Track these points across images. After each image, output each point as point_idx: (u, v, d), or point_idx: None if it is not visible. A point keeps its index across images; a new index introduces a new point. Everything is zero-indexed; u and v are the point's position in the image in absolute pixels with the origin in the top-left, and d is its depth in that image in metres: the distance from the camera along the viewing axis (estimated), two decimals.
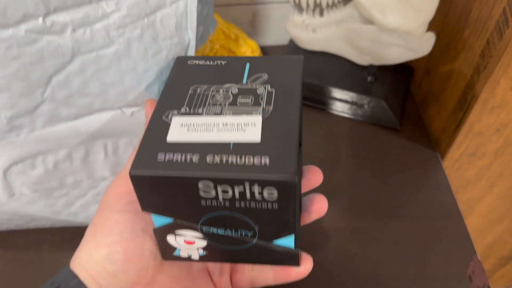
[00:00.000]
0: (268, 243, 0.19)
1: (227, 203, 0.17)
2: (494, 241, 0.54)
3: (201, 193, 0.17)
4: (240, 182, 0.16)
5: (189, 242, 0.20)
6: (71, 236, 0.32)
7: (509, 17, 0.28)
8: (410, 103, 0.42)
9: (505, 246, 0.56)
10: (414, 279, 0.30)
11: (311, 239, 0.32)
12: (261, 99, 0.20)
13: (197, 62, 0.22)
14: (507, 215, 0.49)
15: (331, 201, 0.35)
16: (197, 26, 0.34)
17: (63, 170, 0.25)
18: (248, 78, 0.21)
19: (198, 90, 0.20)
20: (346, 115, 0.40)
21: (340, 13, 0.36)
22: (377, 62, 0.36)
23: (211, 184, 0.17)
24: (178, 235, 0.20)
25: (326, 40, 0.36)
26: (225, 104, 0.20)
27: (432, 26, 0.39)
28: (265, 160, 0.16)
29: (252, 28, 0.44)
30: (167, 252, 0.21)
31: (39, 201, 0.27)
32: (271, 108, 0.19)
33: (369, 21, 0.34)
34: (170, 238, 0.20)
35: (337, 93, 0.38)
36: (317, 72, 0.39)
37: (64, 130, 0.23)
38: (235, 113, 0.19)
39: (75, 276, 0.19)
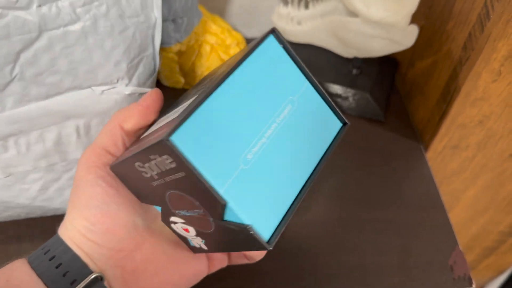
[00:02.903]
0: (222, 222, 0.17)
1: (161, 181, 0.18)
2: (478, 232, 0.55)
3: (143, 174, 0.19)
4: (142, 154, 0.17)
5: (185, 229, 0.20)
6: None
7: (490, 10, 0.29)
8: (395, 95, 0.42)
9: (489, 237, 0.57)
10: (398, 267, 0.31)
11: (297, 229, 0.32)
12: (206, 85, 0.19)
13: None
14: (490, 206, 0.50)
15: (317, 191, 0.35)
16: (181, 17, 0.34)
17: (36, 153, 0.25)
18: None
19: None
20: None
21: (325, 6, 0.36)
22: (361, 54, 0.36)
23: (138, 163, 0.18)
24: (173, 222, 0.20)
25: (311, 33, 0.36)
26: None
27: (417, 18, 0.39)
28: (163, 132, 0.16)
29: (238, 20, 0.44)
30: (187, 244, 0.22)
31: (13, 186, 0.26)
32: (206, 89, 0.18)
33: (353, 13, 0.34)
34: (174, 227, 0.21)
35: (322, 86, 0.39)
36: None
37: (35, 110, 0.23)
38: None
39: (62, 242, 0.20)
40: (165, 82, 0.40)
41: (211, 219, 0.18)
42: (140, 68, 0.26)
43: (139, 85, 0.26)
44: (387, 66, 0.41)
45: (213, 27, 0.38)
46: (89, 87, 0.24)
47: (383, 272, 0.30)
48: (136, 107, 0.21)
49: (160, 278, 0.21)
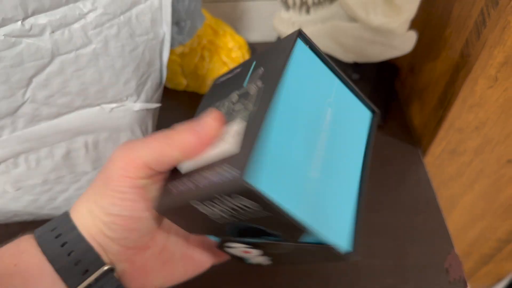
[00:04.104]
0: (302, 244, 0.17)
1: (227, 216, 0.17)
2: (476, 238, 0.55)
3: (203, 211, 0.17)
4: (210, 197, 0.16)
5: (245, 251, 0.20)
6: None
7: (486, 17, 0.29)
8: (395, 100, 0.43)
9: (487, 243, 0.57)
10: (393, 270, 0.31)
11: None
12: (251, 100, 0.18)
13: (221, 79, 0.22)
14: (487, 212, 0.50)
15: None
16: (185, 20, 0.35)
17: (45, 167, 0.26)
18: (249, 79, 0.20)
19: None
20: None
21: (326, 11, 0.37)
22: (360, 59, 0.36)
23: (199, 203, 0.17)
24: (231, 247, 0.20)
25: (311, 37, 0.37)
26: (225, 117, 0.19)
27: (416, 24, 0.40)
28: (231, 170, 0.15)
29: (240, 24, 0.45)
30: (239, 261, 0.22)
31: (22, 197, 0.27)
32: (256, 108, 0.17)
33: (354, 19, 0.35)
34: (231, 250, 0.21)
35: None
36: None
37: (45, 129, 0.24)
38: (228, 125, 0.18)
39: (75, 229, 0.19)
40: (168, 84, 0.41)
41: (287, 243, 0.18)
42: (148, 84, 0.26)
43: (147, 100, 0.27)
44: (387, 71, 0.42)
45: (216, 31, 0.38)
46: (99, 105, 0.24)
47: (378, 275, 0.31)
48: (195, 136, 0.18)
49: (167, 272, 0.22)
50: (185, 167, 0.19)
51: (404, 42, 0.32)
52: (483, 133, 0.37)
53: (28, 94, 0.22)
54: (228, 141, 0.17)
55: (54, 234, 0.19)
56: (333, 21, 0.35)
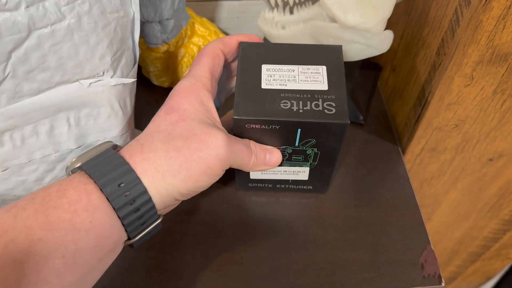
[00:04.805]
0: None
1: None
2: (463, 236, 0.56)
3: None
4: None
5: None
6: None
7: (460, 16, 0.30)
8: (378, 99, 0.43)
9: (474, 242, 0.57)
10: (368, 264, 0.32)
11: (271, 224, 0.34)
12: (309, 158, 0.31)
13: (253, 126, 0.28)
14: (473, 210, 0.50)
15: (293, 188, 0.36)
16: (168, 19, 0.35)
17: (31, 146, 0.27)
18: (299, 141, 0.29)
19: None
20: None
21: (308, 11, 0.37)
22: None
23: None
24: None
25: (294, 37, 0.37)
26: (283, 160, 0.31)
27: (397, 24, 0.40)
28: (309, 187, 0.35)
29: (226, 24, 0.45)
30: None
31: (9, 178, 0.28)
32: (315, 163, 0.31)
33: (334, 19, 0.35)
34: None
35: None
36: None
37: (28, 105, 0.25)
38: (290, 166, 0.32)
39: (145, 191, 0.22)
40: (154, 81, 0.42)
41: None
42: (123, 60, 0.28)
43: (123, 76, 0.28)
44: (370, 70, 0.42)
45: (201, 29, 0.39)
46: (77, 80, 0.26)
47: (353, 268, 0.31)
48: (266, 166, 0.29)
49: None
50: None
51: (381, 41, 0.33)
52: (463, 131, 0.37)
53: (8, 69, 0.23)
54: (301, 174, 0.33)
55: (123, 192, 0.21)
56: (314, 21, 0.36)
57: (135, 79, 0.29)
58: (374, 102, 0.43)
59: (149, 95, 0.42)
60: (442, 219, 0.51)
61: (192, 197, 0.35)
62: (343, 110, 0.28)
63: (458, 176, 0.44)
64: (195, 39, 0.39)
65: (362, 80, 0.42)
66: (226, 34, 0.46)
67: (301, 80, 0.29)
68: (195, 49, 0.39)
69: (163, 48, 0.37)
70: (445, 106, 0.34)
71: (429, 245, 0.33)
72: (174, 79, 0.41)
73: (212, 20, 0.45)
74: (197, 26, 0.39)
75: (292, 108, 0.28)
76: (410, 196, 0.36)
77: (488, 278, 0.68)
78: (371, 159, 0.38)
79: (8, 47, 0.22)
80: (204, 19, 0.41)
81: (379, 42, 0.33)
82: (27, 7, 0.22)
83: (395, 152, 0.39)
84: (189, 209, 0.35)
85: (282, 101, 0.28)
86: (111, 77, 0.27)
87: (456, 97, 0.34)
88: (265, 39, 0.45)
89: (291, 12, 0.39)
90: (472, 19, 0.28)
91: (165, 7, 0.33)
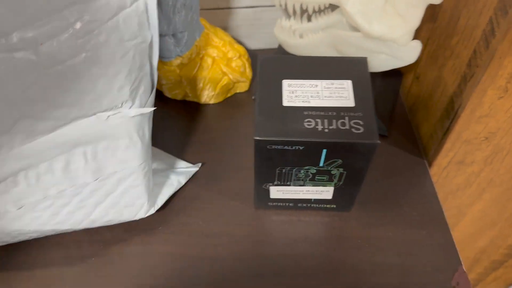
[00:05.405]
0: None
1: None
2: (486, 245, 0.54)
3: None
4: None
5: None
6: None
7: (495, 26, 0.28)
8: (400, 108, 0.41)
9: (497, 251, 0.55)
10: None
11: (295, 246, 0.32)
12: (334, 178, 0.29)
13: (275, 147, 0.26)
14: (499, 220, 0.48)
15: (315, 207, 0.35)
16: (182, 32, 0.34)
17: (46, 183, 0.26)
18: (324, 161, 0.27)
19: (284, 170, 0.29)
20: None
21: (327, 19, 0.36)
22: None
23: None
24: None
25: (312, 46, 0.36)
26: (306, 180, 0.29)
27: (421, 32, 0.38)
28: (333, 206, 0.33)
29: (240, 32, 0.44)
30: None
31: (24, 216, 0.27)
32: (341, 183, 0.30)
33: (355, 28, 0.33)
34: None
35: None
36: None
37: (42, 144, 0.23)
38: (314, 185, 0.30)
39: None
40: (167, 94, 0.40)
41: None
42: (141, 88, 0.26)
43: (141, 105, 0.26)
44: (392, 79, 0.41)
45: (215, 40, 0.38)
46: (95, 114, 0.24)
47: None
48: None
49: None
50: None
51: (408, 52, 0.31)
52: (494, 143, 0.35)
53: (23, 110, 0.21)
54: (325, 193, 0.32)
55: None
56: (334, 30, 0.34)
57: (154, 108, 0.28)
58: (396, 110, 0.41)
59: (162, 108, 0.40)
60: (466, 230, 0.49)
61: (209, 219, 0.34)
62: (371, 128, 0.26)
63: (485, 188, 0.42)
64: (209, 50, 0.37)
65: (383, 88, 0.40)
66: (240, 42, 0.44)
67: (325, 96, 0.27)
68: (209, 60, 0.37)
69: (177, 61, 0.36)
70: (476, 119, 0.33)
71: (461, 266, 0.32)
72: (188, 92, 0.39)
73: (225, 28, 0.43)
74: (211, 36, 0.37)
75: (317, 127, 0.26)
76: (439, 212, 0.34)
77: (508, 285, 0.66)
78: (396, 174, 0.36)
79: (23, 87, 0.21)
80: (218, 28, 0.39)
81: (405, 53, 0.31)
82: (42, 44, 0.20)
83: (421, 165, 0.37)
84: (205, 231, 0.33)
85: (306, 120, 0.26)
86: (130, 107, 0.25)
87: (488, 109, 0.32)
88: (279, 47, 0.43)
89: (309, 20, 0.37)
90: (510, 30, 0.26)
91: (179, 19, 0.32)
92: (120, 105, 0.25)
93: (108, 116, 0.24)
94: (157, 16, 0.25)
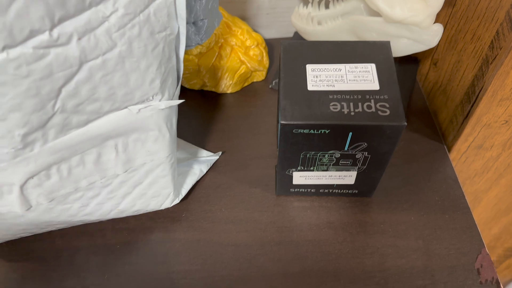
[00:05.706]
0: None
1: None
2: (501, 232, 0.54)
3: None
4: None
5: None
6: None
7: None
8: (417, 94, 0.41)
9: (511, 238, 0.56)
10: (422, 271, 0.30)
11: (317, 231, 0.32)
12: (358, 162, 0.29)
13: (301, 131, 0.26)
14: None
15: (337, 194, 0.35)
16: (202, 20, 0.34)
17: (77, 175, 0.26)
18: (349, 145, 0.27)
19: (308, 155, 0.29)
20: None
21: (346, 5, 0.36)
22: None
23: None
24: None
25: (331, 33, 0.36)
26: (330, 164, 0.30)
27: (439, 16, 0.38)
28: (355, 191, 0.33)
29: (257, 21, 0.44)
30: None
31: (55, 208, 0.27)
32: (364, 167, 0.30)
33: (375, 13, 0.33)
34: None
35: None
36: None
37: (75, 137, 0.24)
38: (337, 170, 0.30)
39: None
40: (185, 84, 0.40)
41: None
42: (169, 80, 0.26)
43: (170, 97, 0.27)
44: (409, 65, 0.41)
45: (233, 29, 0.38)
46: (126, 107, 0.24)
47: (406, 276, 0.30)
48: None
49: None
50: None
51: (429, 36, 0.31)
52: None
53: (58, 105, 0.21)
54: (348, 178, 0.32)
55: None
56: (354, 16, 0.34)
57: (183, 100, 0.28)
58: (414, 97, 0.41)
59: (179, 98, 0.41)
60: (481, 216, 0.49)
61: (231, 206, 0.34)
62: (398, 110, 0.26)
63: (502, 173, 0.42)
64: (228, 39, 0.37)
65: (400, 75, 0.40)
66: (257, 31, 0.44)
67: (349, 80, 0.28)
68: (228, 49, 0.38)
69: (196, 50, 0.36)
70: (497, 102, 0.33)
71: (484, 249, 0.32)
72: (206, 81, 0.40)
73: (242, 17, 0.43)
74: (229, 25, 0.37)
75: (343, 110, 0.26)
76: (460, 197, 0.34)
77: None
78: (417, 159, 0.36)
79: (59, 83, 0.21)
80: (236, 17, 0.39)
81: (427, 37, 0.31)
82: (79, 39, 0.20)
83: (441, 150, 0.37)
84: (228, 218, 0.33)
85: (331, 104, 0.26)
86: (160, 100, 0.25)
87: (510, 92, 0.32)
88: (294, 35, 0.43)
89: (327, 6, 0.37)
90: None
91: (200, 7, 0.32)
92: (151, 98, 0.25)
93: (140, 109, 0.25)
94: (185, 7, 0.25)
